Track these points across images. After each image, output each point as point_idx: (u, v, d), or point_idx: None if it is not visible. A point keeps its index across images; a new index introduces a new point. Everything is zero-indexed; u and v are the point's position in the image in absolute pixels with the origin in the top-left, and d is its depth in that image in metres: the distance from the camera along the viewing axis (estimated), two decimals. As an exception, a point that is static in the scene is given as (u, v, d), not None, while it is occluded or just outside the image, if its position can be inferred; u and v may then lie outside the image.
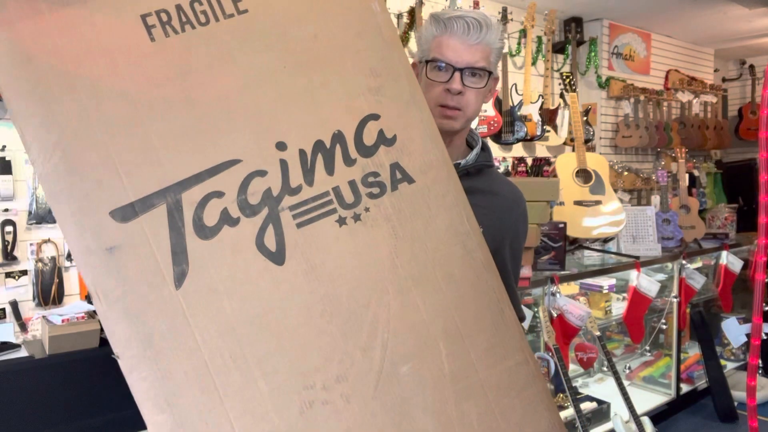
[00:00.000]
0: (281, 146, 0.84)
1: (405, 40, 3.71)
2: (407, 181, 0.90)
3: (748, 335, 2.67)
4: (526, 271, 2.40)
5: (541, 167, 4.48)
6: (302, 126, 0.85)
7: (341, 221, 0.85)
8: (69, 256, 2.66)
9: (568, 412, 2.87)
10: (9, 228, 2.50)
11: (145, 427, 1.22)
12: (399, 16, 3.74)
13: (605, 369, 3.57)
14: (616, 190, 4.28)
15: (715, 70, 6.08)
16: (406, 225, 0.89)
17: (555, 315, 2.68)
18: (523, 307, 2.48)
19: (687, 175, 4.34)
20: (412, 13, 3.70)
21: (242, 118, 0.82)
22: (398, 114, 0.91)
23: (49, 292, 2.58)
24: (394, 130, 0.91)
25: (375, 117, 0.90)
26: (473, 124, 3.63)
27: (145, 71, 0.78)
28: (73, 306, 1.75)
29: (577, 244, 3.44)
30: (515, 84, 4.11)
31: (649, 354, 3.91)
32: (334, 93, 0.88)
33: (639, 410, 2.90)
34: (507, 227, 1.30)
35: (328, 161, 0.86)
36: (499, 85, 4.05)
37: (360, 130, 0.89)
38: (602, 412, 3.14)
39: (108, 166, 0.75)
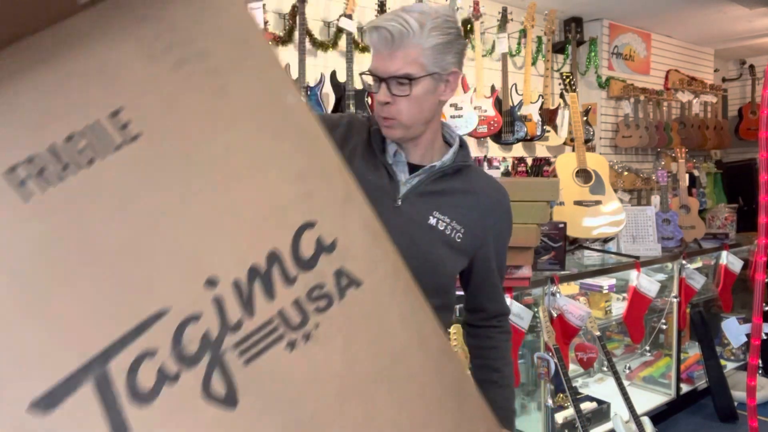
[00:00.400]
0: (211, 282, 0.75)
1: (405, 40, 3.71)
2: (354, 285, 0.84)
3: (748, 335, 2.67)
4: (526, 271, 2.41)
5: (541, 167, 4.48)
6: (231, 254, 0.76)
7: (291, 345, 0.78)
8: (69, 256, 2.66)
9: (568, 412, 2.87)
10: (9, 228, 2.51)
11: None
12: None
13: (605, 369, 3.57)
14: (616, 190, 4.28)
15: (715, 70, 6.08)
16: (359, 331, 0.83)
17: (555, 315, 2.68)
18: (523, 306, 2.49)
19: (687, 175, 4.34)
20: (412, 13, 3.70)
21: (160, 261, 0.72)
22: (335, 216, 0.83)
23: (49, 292, 2.58)
24: (333, 235, 0.82)
25: (310, 225, 0.81)
26: (472, 124, 3.64)
27: (28, 240, 0.65)
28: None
29: (577, 244, 3.44)
30: (515, 84, 4.11)
31: (649, 354, 3.91)
32: (261, 209, 0.78)
33: (639, 410, 2.90)
34: (489, 226, 1.31)
35: (266, 286, 0.78)
36: (499, 85, 4.05)
37: (296, 243, 0.80)
38: (602, 412, 3.14)
39: (11, 356, 0.64)
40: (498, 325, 1.44)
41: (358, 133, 1.31)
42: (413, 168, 1.28)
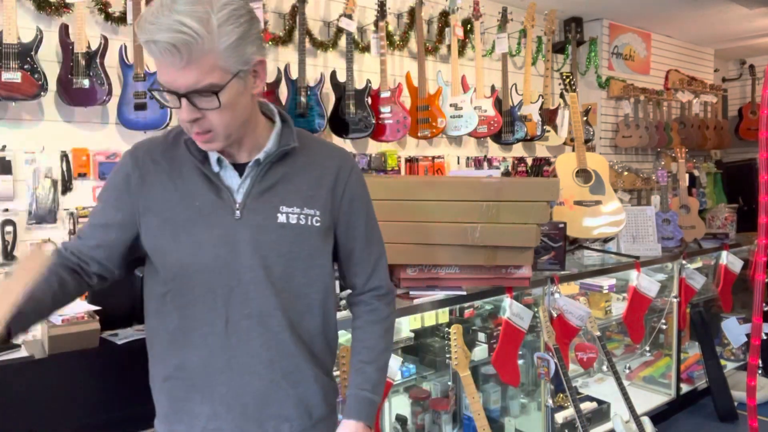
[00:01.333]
0: None
1: (405, 40, 3.71)
2: None
3: (748, 335, 2.67)
4: (525, 271, 2.40)
5: (541, 167, 4.48)
6: None
7: None
8: (69, 256, 2.66)
9: (568, 412, 2.87)
10: (9, 228, 2.50)
11: (144, 427, 1.22)
12: (399, 16, 3.74)
13: (605, 369, 3.57)
14: (616, 190, 4.27)
15: (715, 70, 6.08)
16: None
17: (555, 315, 2.68)
18: (523, 306, 2.48)
19: (687, 175, 4.34)
20: (412, 13, 3.70)
21: None
22: None
23: (49, 292, 2.58)
24: None
25: None
26: (472, 124, 3.63)
27: None
28: (72, 306, 1.75)
29: (577, 244, 3.44)
30: (515, 84, 4.11)
31: (649, 354, 3.91)
32: None
33: (639, 410, 2.90)
34: (339, 194, 1.22)
35: None
36: (499, 85, 4.05)
37: None
38: (602, 412, 3.14)
39: None
40: (368, 302, 1.32)
41: (162, 157, 1.17)
42: (242, 168, 1.16)
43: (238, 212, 1.13)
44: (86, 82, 2.57)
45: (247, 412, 1.17)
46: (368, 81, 3.28)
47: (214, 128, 1.06)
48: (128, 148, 1.22)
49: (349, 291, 1.36)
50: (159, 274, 1.17)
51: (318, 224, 1.19)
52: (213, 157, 1.15)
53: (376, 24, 3.44)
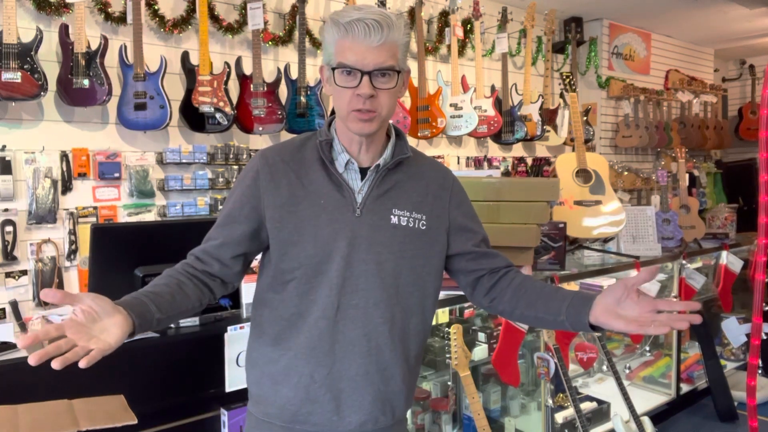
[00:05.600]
0: None
1: (405, 40, 3.71)
2: None
3: (748, 335, 2.67)
4: (525, 271, 2.40)
5: (541, 167, 4.48)
6: None
7: None
8: (69, 256, 2.66)
9: (568, 412, 2.87)
10: (9, 228, 2.50)
11: (147, 426, 1.22)
12: (399, 16, 3.74)
13: (605, 369, 3.57)
14: (616, 190, 4.27)
15: (715, 70, 6.08)
16: None
17: (555, 315, 2.67)
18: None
19: (687, 175, 4.33)
20: (412, 13, 3.70)
21: None
22: None
23: (49, 292, 2.58)
24: None
25: None
26: (472, 124, 3.63)
27: None
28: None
29: (577, 244, 3.43)
30: (515, 84, 4.11)
31: (649, 354, 3.91)
32: None
33: (639, 410, 2.90)
34: (446, 201, 1.34)
35: None
36: (499, 85, 4.05)
37: None
38: (602, 412, 3.14)
39: None
40: (510, 271, 1.38)
41: (291, 158, 1.28)
42: (363, 171, 1.28)
43: (358, 211, 1.24)
44: (86, 82, 2.57)
45: (341, 397, 1.24)
46: (368, 81, 3.28)
47: (379, 109, 1.19)
48: (257, 152, 1.31)
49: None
50: (281, 266, 1.24)
51: (423, 227, 1.29)
52: (342, 159, 1.26)
53: (376, 24, 3.44)
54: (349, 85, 1.17)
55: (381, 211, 1.26)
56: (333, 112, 1.32)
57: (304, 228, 1.23)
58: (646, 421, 2.87)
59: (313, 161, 1.27)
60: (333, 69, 1.18)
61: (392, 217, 1.26)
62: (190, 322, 1.85)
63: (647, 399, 3.54)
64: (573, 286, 3.17)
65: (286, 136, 3.18)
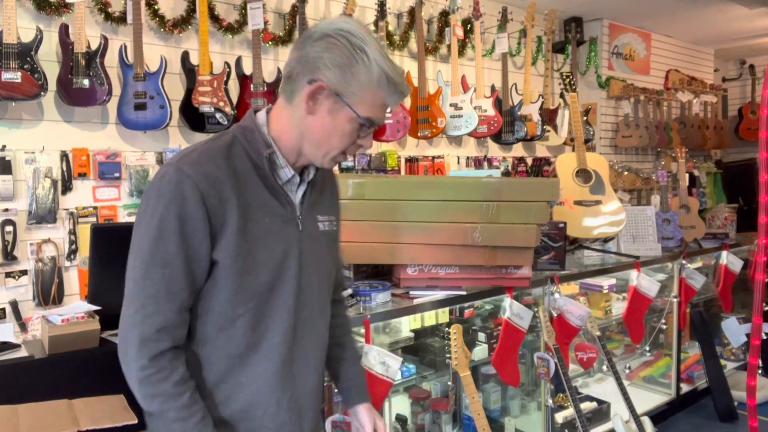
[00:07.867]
0: None
1: (405, 39, 3.71)
2: None
3: (748, 335, 2.67)
4: (525, 271, 2.40)
5: (541, 167, 4.48)
6: None
7: None
8: (69, 256, 2.66)
9: (568, 412, 2.87)
10: (9, 228, 2.50)
11: (145, 427, 1.22)
12: (399, 16, 3.74)
13: (605, 369, 3.57)
14: (616, 190, 4.27)
15: (715, 70, 6.08)
16: None
17: (555, 315, 2.68)
18: (522, 306, 2.48)
19: (687, 175, 4.33)
20: (412, 13, 3.70)
21: None
22: None
23: (49, 292, 2.58)
24: None
25: None
26: (472, 124, 3.62)
27: None
28: (73, 306, 1.75)
29: (577, 244, 3.43)
30: (515, 84, 4.11)
31: (649, 354, 3.91)
32: None
33: (639, 410, 2.90)
34: (337, 198, 1.39)
35: None
36: (499, 85, 4.05)
37: None
38: (602, 412, 3.14)
39: None
40: (339, 298, 1.46)
41: (225, 176, 1.08)
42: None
43: (300, 224, 1.19)
44: (86, 82, 2.57)
45: (302, 416, 1.23)
46: (368, 81, 3.28)
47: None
48: (173, 173, 1.04)
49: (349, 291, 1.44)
50: (233, 300, 1.10)
51: (335, 227, 1.32)
52: (286, 173, 1.16)
53: (376, 24, 3.44)
54: (355, 133, 1.13)
55: (312, 220, 1.23)
56: (243, 115, 1.25)
57: (255, 252, 1.10)
58: (646, 421, 2.87)
59: (246, 172, 1.11)
60: (357, 115, 1.09)
61: (319, 224, 1.25)
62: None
63: (647, 399, 3.54)
64: (573, 286, 3.18)
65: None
